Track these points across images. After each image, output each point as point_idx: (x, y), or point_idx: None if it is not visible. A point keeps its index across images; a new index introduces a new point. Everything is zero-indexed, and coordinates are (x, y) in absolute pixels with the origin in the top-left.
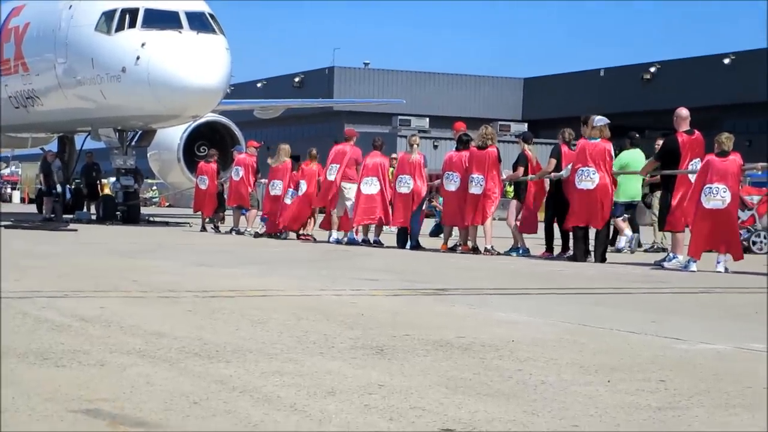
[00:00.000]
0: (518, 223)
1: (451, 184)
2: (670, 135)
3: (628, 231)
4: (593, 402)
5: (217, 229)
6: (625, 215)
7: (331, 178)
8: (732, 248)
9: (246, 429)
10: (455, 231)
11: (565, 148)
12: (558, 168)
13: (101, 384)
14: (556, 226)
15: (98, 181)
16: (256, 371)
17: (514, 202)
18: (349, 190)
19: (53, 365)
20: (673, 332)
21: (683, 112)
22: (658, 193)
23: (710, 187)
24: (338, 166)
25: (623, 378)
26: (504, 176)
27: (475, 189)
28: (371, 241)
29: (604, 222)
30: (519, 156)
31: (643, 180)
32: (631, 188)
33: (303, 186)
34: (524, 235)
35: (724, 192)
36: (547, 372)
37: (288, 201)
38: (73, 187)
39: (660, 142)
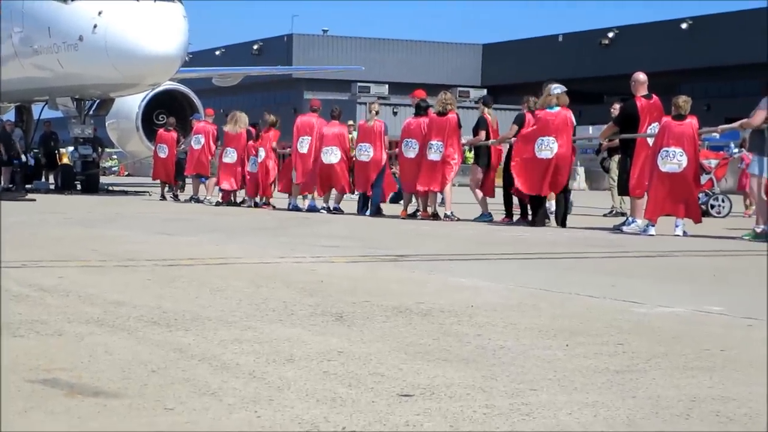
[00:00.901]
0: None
1: (410, 151)
2: (629, 100)
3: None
4: (552, 366)
5: (176, 197)
6: None
7: (303, 150)
8: (690, 211)
9: (205, 396)
10: (414, 198)
11: (529, 116)
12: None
13: (59, 353)
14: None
15: (56, 151)
16: (215, 339)
17: (476, 168)
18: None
19: (11, 335)
20: (631, 296)
21: (641, 76)
22: (616, 158)
23: (667, 151)
24: (309, 138)
25: (582, 342)
26: (464, 141)
27: (434, 155)
28: (331, 208)
29: (560, 188)
30: (479, 120)
31: (601, 145)
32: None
33: (262, 153)
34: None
35: (681, 155)
36: (506, 337)
37: (251, 169)
38: (33, 156)
39: (616, 106)
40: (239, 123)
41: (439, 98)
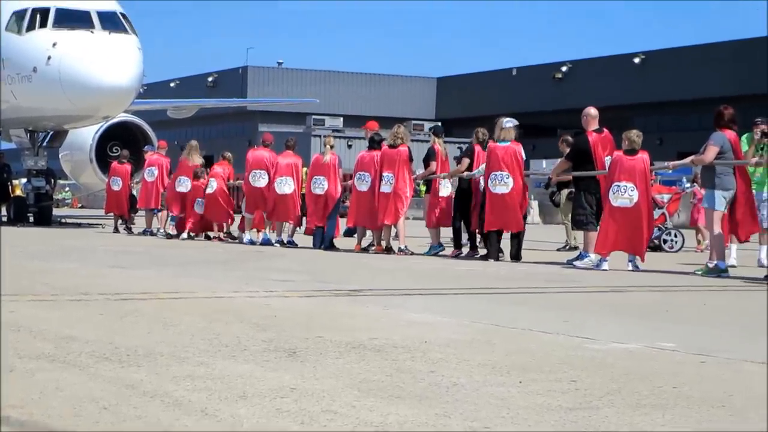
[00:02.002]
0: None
1: (363, 185)
2: (580, 134)
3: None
4: (505, 403)
5: (129, 230)
6: None
7: (258, 184)
8: (636, 248)
9: None
10: (369, 231)
11: (478, 148)
12: (470, 168)
13: (10, 390)
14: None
15: (9, 182)
16: (167, 375)
17: (427, 197)
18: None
19: None
20: (584, 332)
21: (592, 111)
22: (565, 192)
23: (618, 185)
24: (262, 172)
25: (535, 378)
26: (416, 175)
27: (385, 188)
28: (285, 242)
29: (519, 225)
30: (428, 150)
31: (550, 179)
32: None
33: (213, 184)
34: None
35: (632, 190)
36: (460, 373)
37: (197, 209)
38: None
39: (567, 138)
40: (192, 153)
41: (392, 132)
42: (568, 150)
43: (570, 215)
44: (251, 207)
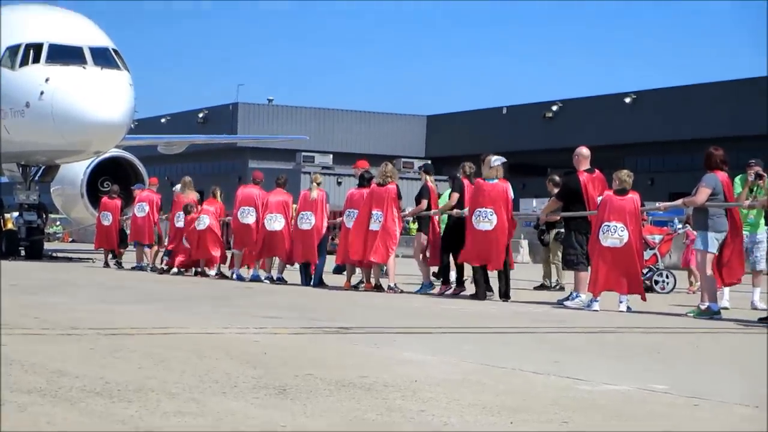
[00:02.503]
0: (426, 255)
1: (352, 221)
2: (571, 174)
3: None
4: None
5: (119, 265)
6: None
7: (246, 221)
8: (633, 287)
9: None
10: (359, 269)
11: (466, 182)
12: (461, 201)
13: (1, 423)
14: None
15: (1, 216)
16: (158, 411)
17: (420, 235)
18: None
19: None
20: (576, 372)
21: (584, 150)
22: (553, 231)
23: (608, 225)
24: (251, 209)
25: (526, 419)
26: (406, 212)
27: (374, 225)
28: (274, 278)
29: (500, 262)
30: (422, 188)
31: (539, 219)
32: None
33: (205, 220)
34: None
35: (622, 230)
36: (450, 413)
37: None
38: None
39: (555, 178)
40: (186, 188)
41: (380, 170)
42: (555, 190)
43: (559, 255)
44: (239, 243)
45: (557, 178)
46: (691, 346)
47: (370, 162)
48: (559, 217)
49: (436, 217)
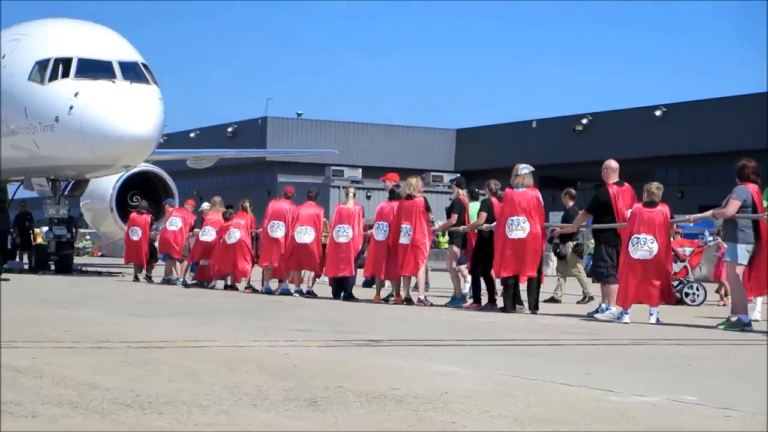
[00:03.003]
0: (458, 268)
1: (380, 234)
2: (601, 187)
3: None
4: None
5: (149, 279)
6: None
7: (275, 235)
8: (664, 296)
9: None
10: (388, 282)
11: (494, 200)
12: (490, 220)
13: None
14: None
15: (31, 231)
16: (189, 423)
17: (452, 248)
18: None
19: None
20: (606, 384)
21: (612, 163)
22: (570, 244)
23: (638, 237)
24: (281, 223)
25: (557, 431)
26: (436, 226)
27: (403, 239)
28: (304, 292)
29: (535, 269)
30: (453, 202)
31: (553, 231)
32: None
33: (236, 233)
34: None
35: (651, 242)
36: (481, 424)
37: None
38: (12, 237)
39: (571, 191)
40: (215, 206)
41: (406, 183)
42: (571, 203)
43: (578, 266)
44: (266, 258)
45: (573, 191)
46: (722, 357)
47: (399, 176)
48: (575, 229)
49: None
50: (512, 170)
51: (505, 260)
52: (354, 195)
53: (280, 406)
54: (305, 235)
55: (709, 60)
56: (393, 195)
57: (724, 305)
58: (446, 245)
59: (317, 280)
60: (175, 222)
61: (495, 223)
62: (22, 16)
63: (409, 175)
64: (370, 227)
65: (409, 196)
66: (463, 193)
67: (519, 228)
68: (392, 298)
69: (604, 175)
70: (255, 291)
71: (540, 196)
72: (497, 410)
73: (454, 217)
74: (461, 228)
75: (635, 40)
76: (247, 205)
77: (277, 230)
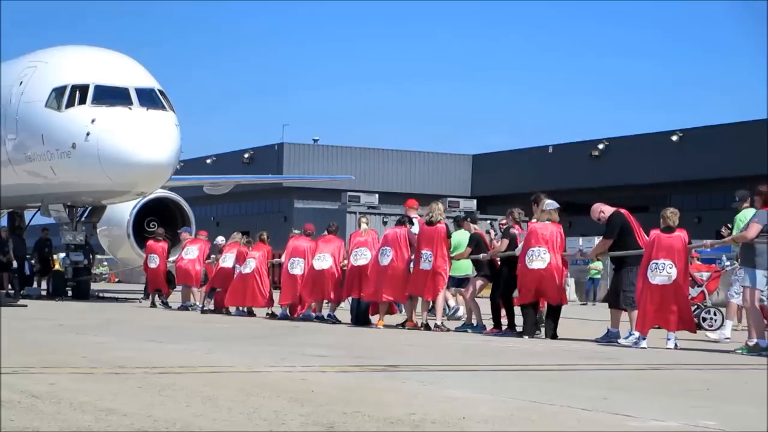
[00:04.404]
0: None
1: (385, 259)
2: (614, 212)
3: (452, 302)
4: None
5: (166, 305)
6: (458, 288)
7: (295, 272)
8: (684, 323)
9: None
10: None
11: (516, 228)
12: (512, 247)
13: None
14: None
15: (50, 257)
16: None
17: (476, 279)
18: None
19: None
20: (624, 409)
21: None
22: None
23: (656, 263)
24: (300, 260)
25: None
26: (453, 255)
27: (424, 264)
28: (326, 317)
29: (557, 296)
30: (471, 235)
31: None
32: (463, 264)
33: (251, 264)
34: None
35: (670, 267)
36: None
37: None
38: (33, 262)
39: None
40: (236, 239)
41: (429, 209)
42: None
43: None
44: (287, 296)
45: (542, 195)
46: (740, 382)
47: (418, 201)
48: (593, 256)
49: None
50: (536, 200)
51: (525, 290)
52: (368, 223)
53: (298, 431)
54: (323, 262)
55: (726, 84)
56: (399, 222)
57: (741, 330)
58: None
59: (340, 305)
60: (191, 251)
61: (517, 249)
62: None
63: (426, 201)
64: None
65: (431, 222)
66: (476, 227)
67: (539, 259)
68: (406, 324)
69: (601, 215)
70: (274, 316)
71: (561, 230)
72: None
73: (468, 250)
74: (481, 256)
75: (651, 65)
76: (265, 237)
77: (296, 267)
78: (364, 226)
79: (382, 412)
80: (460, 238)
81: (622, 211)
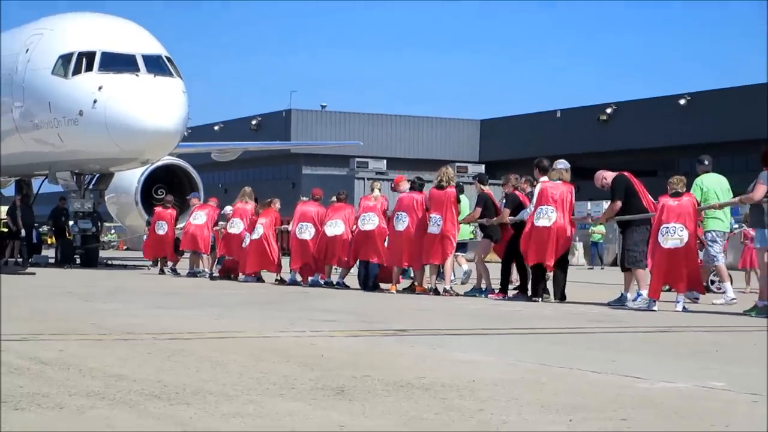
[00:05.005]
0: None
1: (400, 224)
2: (619, 175)
3: (465, 266)
4: None
5: (174, 271)
6: (457, 253)
7: (304, 236)
8: (694, 284)
9: None
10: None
11: (517, 194)
12: (517, 213)
13: (61, 427)
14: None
15: (66, 225)
16: (217, 413)
17: (485, 241)
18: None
19: (12, 408)
20: (633, 371)
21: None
22: None
23: (667, 227)
24: (309, 225)
25: (586, 417)
26: (460, 219)
27: (432, 228)
28: (335, 283)
29: (552, 258)
30: (479, 196)
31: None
32: (462, 229)
33: (259, 230)
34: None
35: (681, 231)
36: (509, 412)
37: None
38: (43, 230)
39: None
40: (245, 197)
41: (439, 173)
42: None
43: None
44: (297, 260)
45: (545, 162)
46: (749, 344)
47: (424, 167)
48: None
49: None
50: (539, 165)
51: (529, 248)
52: (380, 189)
53: (308, 395)
54: (335, 228)
55: (734, 48)
56: (414, 186)
57: (749, 293)
58: (469, 236)
59: (350, 271)
60: (199, 216)
61: (522, 213)
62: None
63: (434, 166)
64: (391, 217)
65: (441, 186)
66: (486, 188)
67: (545, 217)
68: (415, 288)
69: (604, 182)
70: (283, 282)
71: (572, 190)
72: (525, 397)
73: (478, 211)
74: (485, 221)
75: (659, 28)
76: (275, 203)
77: (305, 232)
78: (376, 192)
79: (392, 376)
80: (466, 203)
81: (625, 173)
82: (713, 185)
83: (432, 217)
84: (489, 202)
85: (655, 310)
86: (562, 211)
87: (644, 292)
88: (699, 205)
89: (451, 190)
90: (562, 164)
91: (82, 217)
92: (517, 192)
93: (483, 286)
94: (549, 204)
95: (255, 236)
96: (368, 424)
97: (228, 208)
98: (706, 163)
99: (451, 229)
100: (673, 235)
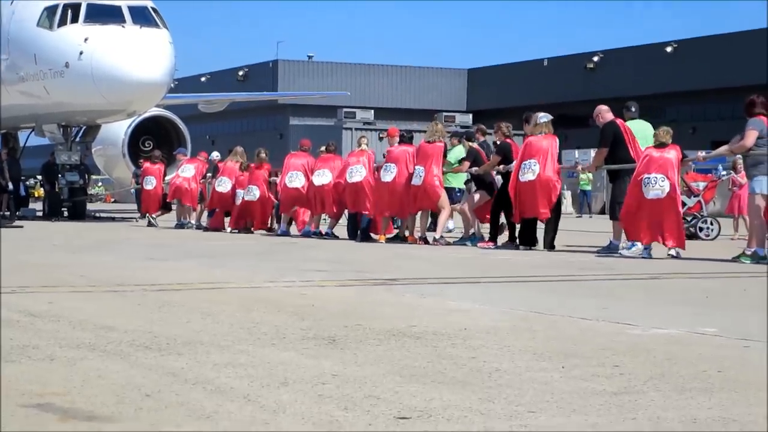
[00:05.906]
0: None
1: (388, 175)
2: (608, 122)
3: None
4: (548, 388)
5: (152, 223)
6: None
7: (294, 185)
8: (675, 238)
9: (200, 420)
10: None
11: (509, 141)
12: (507, 161)
13: (52, 378)
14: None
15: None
16: (208, 363)
17: (482, 192)
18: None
19: (3, 360)
20: (625, 318)
21: (603, 107)
22: None
23: (649, 177)
24: (299, 173)
25: (577, 364)
26: (445, 169)
27: (415, 180)
28: (323, 233)
29: (538, 211)
30: (468, 150)
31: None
32: (459, 178)
33: (255, 192)
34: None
35: (662, 181)
36: (501, 359)
37: (248, 197)
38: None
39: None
40: (237, 156)
41: (430, 128)
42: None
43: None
44: (287, 207)
45: (533, 114)
46: (738, 290)
47: (411, 117)
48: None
49: (497, 176)
50: (527, 119)
51: (519, 205)
52: (367, 144)
53: (299, 344)
54: (323, 177)
55: None
56: (403, 139)
57: (736, 239)
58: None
59: (339, 222)
60: (187, 169)
61: (512, 164)
62: None
63: (421, 116)
64: (379, 169)
65: (431, 141)
66: (476, 145)
67: (529, 171)
68: (407, 238)
69: (599, 120)
70: (272, 231)
71: (555, 143)
72: (517, 345)
73: (466, 164)
74: (473, 170)
75: None
76: (264, 155)
77: (296, 180)
78: (363, 146)
79: (383, 325)
80: (457, 154)
81: (618, 121)
82: (638, 132)
83: (416, 168)
84: (479, 157)
85: (652, 257)
86: (547, 163)
87: (639, 243)
88: (684, 155)
89: (439, 144)
90: (544, 117)
91: (69, 170)
92: (508, 140)
93: (471, 233)
94: (532, 157)
95: (250, 197)
96: (360, 372)
97: (215, 154)
98: (633, 109)
99: (431, 180)
100: (654, 186)
